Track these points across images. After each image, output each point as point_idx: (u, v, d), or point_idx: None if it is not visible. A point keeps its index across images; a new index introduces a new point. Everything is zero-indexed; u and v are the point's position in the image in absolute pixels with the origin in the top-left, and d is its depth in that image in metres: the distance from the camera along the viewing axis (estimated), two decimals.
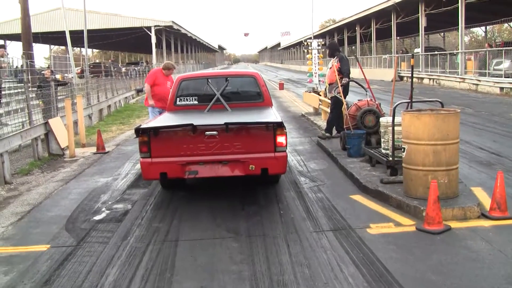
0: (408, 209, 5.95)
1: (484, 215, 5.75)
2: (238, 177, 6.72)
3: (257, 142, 6.45)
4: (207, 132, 6.39)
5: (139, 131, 6.43)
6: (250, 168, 6.39)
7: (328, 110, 13.65)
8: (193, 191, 7.65)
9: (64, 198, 7.53)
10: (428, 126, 5.89)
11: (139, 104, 25.35)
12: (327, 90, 12.05)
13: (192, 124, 6.35)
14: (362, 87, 10.20)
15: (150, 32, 43.02)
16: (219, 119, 6.74)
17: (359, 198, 6.73)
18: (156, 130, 6.46)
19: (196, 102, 8.31)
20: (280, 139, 6.41)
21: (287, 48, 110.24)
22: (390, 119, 7.17)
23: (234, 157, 6.43)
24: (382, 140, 7.80)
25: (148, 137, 6.42)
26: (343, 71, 10.29)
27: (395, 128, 6.86)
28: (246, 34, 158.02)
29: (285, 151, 6.50)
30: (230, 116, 7.36)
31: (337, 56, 10.68)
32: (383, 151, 7.70)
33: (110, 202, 7.15)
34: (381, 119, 7.98)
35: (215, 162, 6.46)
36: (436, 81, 29.91)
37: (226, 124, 6.33)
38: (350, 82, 10.49)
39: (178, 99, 8.35)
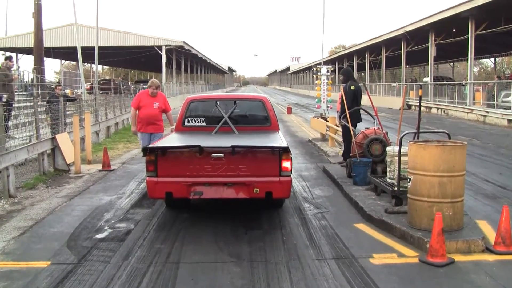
0: (412, 240, 5.91)
1: (488, 249, 5.71)
2: (243, 200, 6.73)
3: (263, 166, 6.51)
4: (213, 154, 6.46)
5: (147, 150, 6.52)
6: (254, 191, 6.42)
7: (336, 136, 13.72)
8: (197, 213, 7.64)
9: (68, 215, 7.55)
10: (435, 157, 5.89)
11: None
12: (337, 118, 12.09)
13: (199, 146, 6.43)
14: (370, 114, 10.22)
15: (161, 51, 43.43)
16: (226, 141, 6.82)
17: (363, 227, 6.70)
18: (163, 150, 6.54)
19: (204, 124, 8.41)
20: (286, 163, 6.46)
21: (297, 72, 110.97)
22: (396, 148, 7.17)
23: (239, 179, 6.47)
24: (388, 169, 7.79)
25: (155, 157, 6.50)
26: (346, 102, 10.22)
27: (402, 158, 6.86)
28: (255, 55, 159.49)
29: (290, 175, 6.54)
30: (237, 139, 7.42)
31: (346, 84, 10.70)
32: (389, 180, 7.68)
33: (113, 221, 7.16)
34: (388, 148, 7.98)
35: (220, 184, 6.50)
36: (444, 111, 29.93)
37: (233, 147, 6.40)
38: (357, 109, 10.49)
39: (186, 119, 8.45)
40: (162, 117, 10.02)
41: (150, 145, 6.72)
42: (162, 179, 6.52)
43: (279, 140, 7.25)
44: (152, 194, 6.65)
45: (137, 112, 9.87)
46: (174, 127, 9.94)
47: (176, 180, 6.50)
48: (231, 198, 6.58)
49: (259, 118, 8.56)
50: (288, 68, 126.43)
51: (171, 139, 7.80)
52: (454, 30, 29.86)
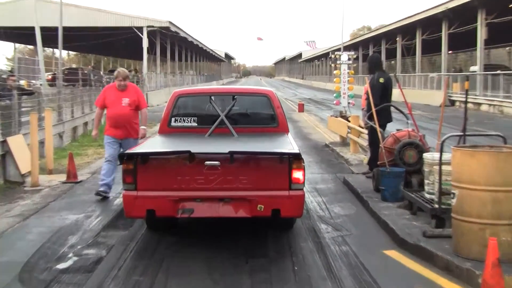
0: (459, 272, 5.86)
1: None
2: (243, 220, 6.70)
3: (268, 177, 6.55)
4: (207, 162, 6.48)
5: (124, 157, 6.55)
6: (258, 208, 6.46)
7: (359, 140, 13.67)
8: (185, 236, 7.62)
9: (21, 239, 7.52)
10: (486, 167, 5.84)
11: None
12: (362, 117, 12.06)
13: (189, 151, 6.44)
14: (402, 113, 10.17)
15: (142, 34, 43.60)
16: (223, 146, 6.84)
17: (394, 254, 6.67)
18: (144, 157, 6.57)
19: (195, 124, 8.45)
20: (297, 174, 6.49)
21: (310, 60, 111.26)
22: (437, 155, 7.14)
23: (239, 194, 6.52)
24: (426, 181, 7.76)
25: (134, 165, 6.53)
26: (372, 98, 10.15)
27: (443, 167, 6.83)
28: (259, 39, 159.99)
29: (302, 189, 6.59)
30: (236, 143, 7.47)
31: (373, 76, 10.64)
32: (427, 195, 7.66)
33: (79, 246, 7.13)
34: (425, 155, 7.96)
35: (216, 200, 6.56)
36: (497, 108, 29.88)
37: (231, 153, 6.41)
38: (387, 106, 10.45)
39: (173, 119, 8.48)
40: (137, 117, 9.96)
41: (128, 151, 6.73)
42: (142, 193, 6.54)
43: (288, 144, 7.28)
44: (130, 212, 6.67)
45: (105, 112, 9.86)
46: (145, 127, 9.98)
47: (160, 195, 6.53)
48: (228, 217, 6.58)
49: (264, 117, 8.61)
50: (299, 55, 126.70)
51: (154, 143, 7.83)
52: (511, 5, 29.74)
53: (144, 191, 6.54)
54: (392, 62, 58.15)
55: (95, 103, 9.97)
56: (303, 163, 6.58)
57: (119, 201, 9.41)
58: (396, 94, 11.60)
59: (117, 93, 9.66)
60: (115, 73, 9.91)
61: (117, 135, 9.66)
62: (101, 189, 9.66)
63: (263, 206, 6.45)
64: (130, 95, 9.70)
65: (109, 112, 9.72)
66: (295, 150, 6.70)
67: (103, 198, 9.60)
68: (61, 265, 6.41)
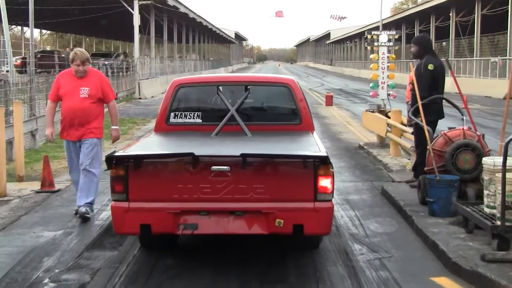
0: None
1: None
2: (257, 238, 6.73)
3: (289, 186, 6.57)
4: (214, 167, 6.51)
5: (112, 161, 6.55)
6: (276, 223, 6.47)
7: (402, 140, 13.65)
8: (186, 256, 7.64)
9: None
10: None
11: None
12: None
13: (192, 154, 6.47)
14: (456, 107, 10.16)
15: (132, 9, 43.68)
16: (233, 148, 6.91)
17: (445, 282, 6.66)
18: (138, 160, 6.60)
19: (199, 121, 8.52)
20: (324, 182, 6.51)
21: (341, 41, 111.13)
22: (499, 160, 7.14)
23: (254, 206, 6.55)
24: (486, 192, 7.73)
25: (125, 170, 6.56)
26: (417, 88, 10.14)
27: (508, 175, 6.83)
28: (278, 14, 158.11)
29: (330, 200, 6.62)
30: (250, 144, 7.52)
31: (421, 61, 10.61)
32: (487, 210, 7.63)
33: (57, 270, 7.15)
34: (485, 160, 7.93)
35: (225, 213, 6.59)
36: None
37: (243, 155, 6.42)
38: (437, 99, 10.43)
39: (172, 114, 8.54)
40: (101, 113, 9.52)
41: (118, 153, 6.75)
42: (135, 205, 6.59)
43: (313, 145, 7.30)
44: (120, 228, 6.72)
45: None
46: (117, 127, 9.56)
47: (156, 207, 6.58)
48: (240, 234, 6.62)
49: (283, 113, 8.68)
50: (327, 35, 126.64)
51: (149, 144, 7.86)
52: None
53: (138, 202, 6.59)
54: (444, 43, 57.96)
55: (48, 96, 9.44)
56: (332, 168, 6.58)
57: (105, 214, 9.46)
58: (448, 84, 11.58)
59: (74, 82, 9.22)
60: (71, 54, 9.27)
61: (71, 137, 9.30)
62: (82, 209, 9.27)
63: (282, 221, 6.45)
64: (91, 83, 9.24)
65: (63, 106, 9.31)
66: (322, 152, 6.70)
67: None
68: None
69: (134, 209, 6.57)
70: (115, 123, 9.65)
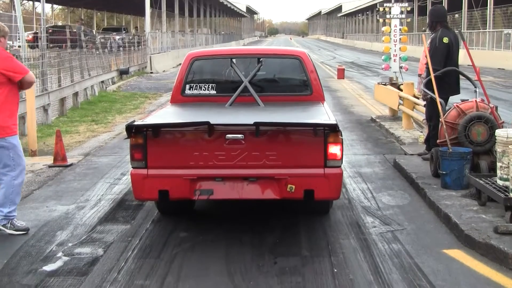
0: None
1: None
2: (270, 207, 6.77)
3: (300, 153, 6.79)
4: (228, 136, 6.69)
5: (132, 129, 6.72)
6: (288, 189, 6.68)
7: (414, 113, 13.60)
8: (199, 229, 7.67)
9: None
10: None
11: (121, 92, 25.65)
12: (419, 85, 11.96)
13: (208, 123, 6.60)
14: (469, 79, 10.07)
15: None
16: (247, 117, 7.08)
17: (458, 254, 6.66)
18: (156, 129, 6.79)
19: (213, 92, 8.72)
20: (334, 149, 6.68)
21: (353, 14, 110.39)
22: None
23: (266, 172, 6.75)
24: (499, 164, 7.70)
25: (144, 139, 6.76)
26: (431, 62, 10.03)
27: None
28: None
29: (340, 166, 6.81)
30: (263, 113, 7.67)
31: (434, 33, 10.49)
32: (500, 182, 7.60)
33: (70, 244, 7.19)
34: (498, 132, 7.90)
35: (239, 179, 6.79)
36: None
37: (257, 124, 6.57)
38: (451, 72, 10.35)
39: (187, 86, 8.75)
40: (13, 101, 7.58)
41: (137, 122, 6.92)
42: (153, 172, 6.82)
43: (323, 114, 7.43)
44: (140, 193, 6.95)
45: None
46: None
47: (174, 173, 6.80)
48: (254, 199, 6.83)
49: (295, 84, 8.89)
50: (339, 8, 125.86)
51: (166, 114, 8.02)
52: None
53: (156, 169, 6.81)
54: (456, 15, 57.42)
55: None
56: (341, 136, 6.73)
57: (118, 188, 9.54)
58: (461, 56, 11.47)
59: None
60: None
61: None
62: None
63: (294, 187, 6.66)
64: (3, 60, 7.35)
65: None
66: (332, 120, 6.83)
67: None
68: (49, 267, 6.48)
69: (152, 176, 6.79)
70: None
